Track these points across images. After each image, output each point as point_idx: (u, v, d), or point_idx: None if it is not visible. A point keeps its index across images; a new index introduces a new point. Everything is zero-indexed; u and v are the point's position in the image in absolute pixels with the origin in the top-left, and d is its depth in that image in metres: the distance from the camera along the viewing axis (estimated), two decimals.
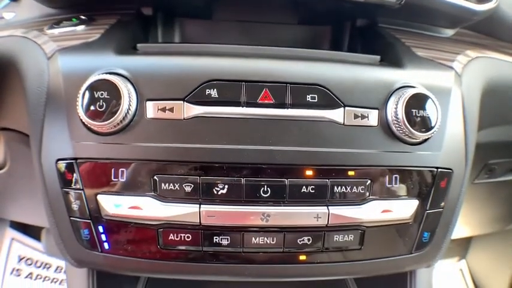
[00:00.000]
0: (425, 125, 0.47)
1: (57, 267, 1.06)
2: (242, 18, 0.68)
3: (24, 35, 0.58)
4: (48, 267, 1.07)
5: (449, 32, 0.69)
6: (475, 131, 0.55)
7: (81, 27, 0.57)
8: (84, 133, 0.46)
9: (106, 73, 0.46)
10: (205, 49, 0.52)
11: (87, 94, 0.44)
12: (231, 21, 0.68)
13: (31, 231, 1.07)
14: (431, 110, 0.48)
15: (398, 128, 0.47)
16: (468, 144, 0.54)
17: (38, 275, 1.06)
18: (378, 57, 0.55)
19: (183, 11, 0.69)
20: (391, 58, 0.55)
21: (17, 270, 1.06)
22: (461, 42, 0.68)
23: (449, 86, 0.52)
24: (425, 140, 0.49)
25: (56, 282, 1.06)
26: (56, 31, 0.57)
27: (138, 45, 0.54)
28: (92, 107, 0.44)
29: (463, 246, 1.11)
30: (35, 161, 0.52)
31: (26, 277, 1.06)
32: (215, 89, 0.46)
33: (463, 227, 1.00)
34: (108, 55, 0.49)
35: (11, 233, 1.05)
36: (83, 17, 0.61)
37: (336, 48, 0.71)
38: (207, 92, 0.46)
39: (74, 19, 0.61)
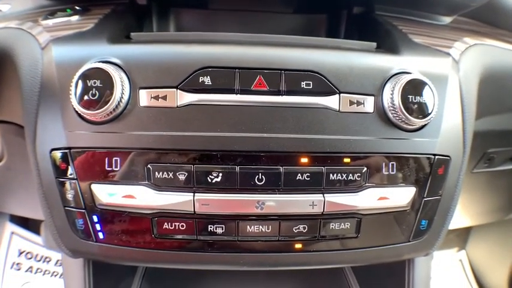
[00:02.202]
0: (422, 111, 0.47)
1: (57, 260, 1.06)
2: (238, 8, 0.67)
3: (19, 26, 0.57)
4: (48, 261, 1.07)
5: (447, 19, 0.68)
6: (472, 118, 0.55)
7: (76, 18, 0.56)
8: (77, 122, 0.46)
9: (99, 61, 0.46)
10: (199, 37, 0.52)
11: (80, 83, 0.44)
12: (226, 11, 0.67)
13: (31, 225, 1.08)
14: (428, 96, 0.47)
15: (395, 115, 0.46)
16: (466, 131, 0.53)
17: (38, 269, 1.06)
18: (374, 44, 0.54)
19: (177, 0, 0.68)
20: (388, 45, 0.54)
21: (17, 264, 1.06)
22: (459, 29, 0.67)
23: (446, 73, 0.51)
24: (423, 127, 0.48)
25: (56, 275, 1.06)
26: (51, 22, 0.56)
27: (132, 34, 0.53)
28: (85, 96, 0.44)
29: (463, 237, 1.11)
30: (29, 151, 0.51)
31: (26, 271, 1.06)
32: (208, 77, 0.45)
33: (462, 217, 1.00)
34: (101, 44, 0.48)
35: (11, 227, 1.05)
36: (77, 8, 0.61)
37: (332, 36, 0.70)
38: (200, 80, 0.45)
39: (68, 10, 0.61)
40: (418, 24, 0.62)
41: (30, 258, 1.06)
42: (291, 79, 0.46)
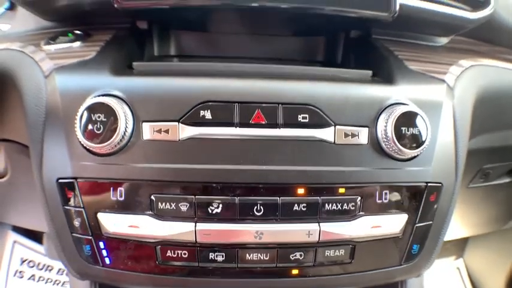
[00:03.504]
0: (414, 142, 0.50)
1: (59, 269, 1.11)
2: (237, 31, 0.70)
3: (21, 49, 0.60)
4: (50, 269, 1.11)
5: (443, 40, 0.71)
6: (465, 142, 0.58)
7: (77, 44, 0.59)
8: (83, 153, 0.49)
9: (102, 95, 0.49)
10: (199, 68, 0.55)
11: (84, 117, 0.47)
12: (225, 34, 0.70)
13: (33, 234, 1.12)
14: (421, 127, 0.50)
15: (388, 146, 0.50)
16: (458, 156, 0.56)
17: (40, 277, 1.11)
18: (370, 72, 0.58)
19: (178, 23, 0.70)
20: (383, 72, 0.57)
21: (20, 272, 1.11)
22: (456, 50, 0.70)
23: (440, 101, 0.54)
24: (415, 156, 0.52)
25: (58, 284, 1.11)
26: (53, 47, 0.59)
27: (134, 63, 0.56)
28: (90, 130, 0.47)
29: (460, 245, 1.15)
30: (36, 177, 0.55)
31: (29, 279, 1.11)
32: (209, 111, 0.48)
33: (459, 228, 1.04)
34: (104, 75, 0.51)
35: (14, 236, 1.10)
36: (78, 32, 0.64)
37: (330, 58, 0.73)
38: (201, 114, 0.48)
39: (69, 34, 0.63)
40: (415, 48, 0.65)
41: (32, 267, 1.11)
42: (288, 112, 0.49)
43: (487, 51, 0.75)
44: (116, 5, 0.54)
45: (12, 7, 0.78)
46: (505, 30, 0.75)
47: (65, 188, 0.51)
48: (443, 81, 0.56)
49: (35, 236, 1.11)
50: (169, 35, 0.71)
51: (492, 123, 0.72)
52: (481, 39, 0.75)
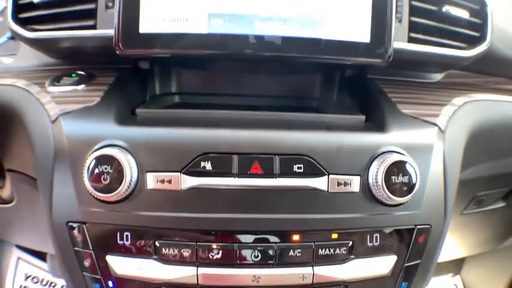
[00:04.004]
0: (404, 190, 0.54)
1: (62, 286, 1.17)
2: (235, 70, 0.74)
3: (27, 87, 0.65)
4: (54, 286, 1.17)
5: (438, 77, 0.75)
6: (455, 182, 0.62)
7: (82, 87, 0.64)
8: (91, 201, 0.54)
9: (108, 146, 0.53)
10: (199, 116, 0.59)
11: (92, 168, 0.52)
12: (224, 72, 0.75)
13: (36, 251, 1.17)
14: (410, 175, 0.54)
15: (378, 193, 0.54)
16: (448, 198, 0.61)
17: None
18: (363, 118, 0.62)
19: (178, 63, 0.75)
20: (376, 117, 0.62)
21: (25, 287, 1.17)
22: (450, 85, 0.74)
23: (431, 145, 0.59)
24: (405, 202, 0.56)
25: None
26: (57, 90, 0.64)
27: (137, 110, 0.61)
28: (98, 180, 0.52)
29: (457, 263, 1.20)
30: (46, 218, 0.60)
31: None
32: (209, 162, 0.53)
33: (455, 250, 1.09)
34: (109, 124, 0.56)
35: (18, 252, 1.15)
36: (82, 73, 0.68)
37: (326, 94, 0.77)
38: (201, 165, 0.53)
39: (73, 75, 0.68)
40: (408, 87, 0.69)
41: (36, 283, 1.17)
42: (284, 163, 0.54)
43: (482, 83, 0.79)
44: (118, 52, 0.58)
45: (14, 37, 0.82)
46: (500, 60, 0.79)
47: (75, 230, 0.56)
48: (434, 125, 0.61)
49: (38, 253, 1.17)
50: (170, 73, 0.76)
51: (486, 154, 0.77)
52: (476, 71, 0.79)
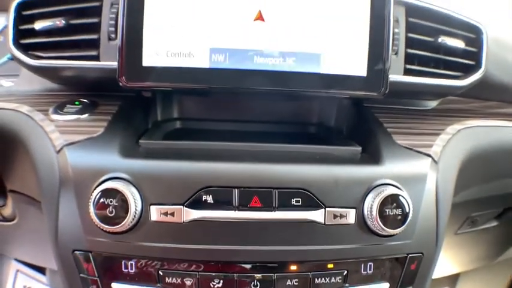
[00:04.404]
0: (397, 222, 0.58)
1: None
2: (236, 98, 0.78)
3: (30, 114, 0.68)
4: None
5: (433, 104, 0.79)
6: (447, 210, 0.66)
7: (85, 116, 0.67)
8: (97, 231, 0.57)
9: (113, 178, 0.57)
10: (201, 147, 0.63)
11: (97, 201, 0.55)
12: (224, 98, 0.78)
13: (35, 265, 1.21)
14: (404, 208, 0.58)
15: (372, 224, 0.58)
16: (439, 226, 0.65)
17: None
18: (359, 149, 0.66)
19: (180, 91, 0.78)
20: (372, 148, 0.66)
21: None
22: (445, 112, 0.77)
23: (424, 177, 0.63)
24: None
25: None
26: (61, 118, 0.67)
27: (141, 141, 0.64)
28: (103, 213, 0.55)
29: (452, 277, 1.25)
30: (51, 245, 0.63)
31: None
32: (210, 195, 0.57)
33: (449, 267, 1.14)
34: (113, 157, 0.59)
35: (16, 265, 1.19)
36: (85, 101, 0.71)
37: (323, 120, 0.81)
38: (203, 198, 0.57)
39: (76, 102, 0.71)
40: (404, 116, 0.73)
41: None
42: (282, 197, 0.57)
43: (477, 108, 0.83)
44: (121, 84, 0.61)
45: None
46: (495, 86, 0.82)
47: (81, 258, 0.60)
48: (428, 155, 0.65)
49: (37, 266, 1.20)
50: (172, 100, 0.79)
51: (479, 178, 0.81)
52: (471, 96, 0.83)
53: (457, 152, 0.69)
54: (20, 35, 0.70)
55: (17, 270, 1.20)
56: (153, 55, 0.61)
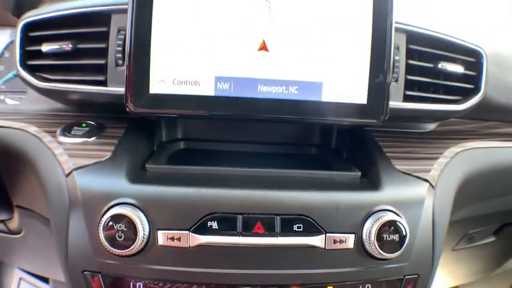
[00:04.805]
0: (394, 246, 0.62)
1: None
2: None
3: (38, 135, 0.72)
4: None
5: (432, 126, 0.82)
6: (443, 231, 0.70)
7: (93, 139, 0.71)
8: (106, 253, 0.61)
9: (121, 204, 0.61)
10: (206, 172, 0.67)
11: (107, 226, 0.59)
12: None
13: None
14: (401, 233, 0.62)
15: (370, 249, 0.62)
16: (435, 248, 0.68)
17: None
18: (359, 174, 0.70)
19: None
20: (372, 173, 0.69)
21: None
22: (443, 136, 0.81)
23: (421, 202, 0.66)
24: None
25: None
26: (69, 141, 0.70)
27: (147, 166, 0.68)
28: (113, 238, 0.59)
29: None
30: (60, 263, 0.67)
31: None
32: (215, 221, 0.60)
33: (447, 282, 1.18)
34: (121, 182, 0.63)
35: (20, 273, 1.23)
36: (92, 123, 0.75)
37: (324, 142, 0.85)
38: (208, 224, 0.60)
39: (83, 124, 0.74)
40: (403, 140, 0.77)
41: None
42: (284, 223, 0.61)
43: (475, 129, 0.86)
44: (128, 110, 0.65)
45: None
46: (494, 108, 0.85)
47: (90, 279, 0.64)
48: (426, 181, 0.68)
49: (40, 276, 1.24)
50: (176, 121, 0.83)
51: (476, 197, 0.85)
52: (470, 117, 0.86)
53: (454, 175, 0.73)
54: (27, 55, 0.73)
55: (20, 278, 1.24)
56: (160, 83, 0.64)
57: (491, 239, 1.01)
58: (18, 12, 0.87)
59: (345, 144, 0.82)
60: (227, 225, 0.61)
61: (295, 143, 0.86)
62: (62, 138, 0.71)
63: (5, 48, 0.93)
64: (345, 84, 0.66)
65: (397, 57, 0.71)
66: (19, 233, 0.94)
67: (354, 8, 0.65)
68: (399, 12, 0.68)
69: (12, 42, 0.93)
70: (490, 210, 0.90)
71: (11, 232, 0.96)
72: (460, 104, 0.76)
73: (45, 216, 0.81)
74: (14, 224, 0.93)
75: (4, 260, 1.17)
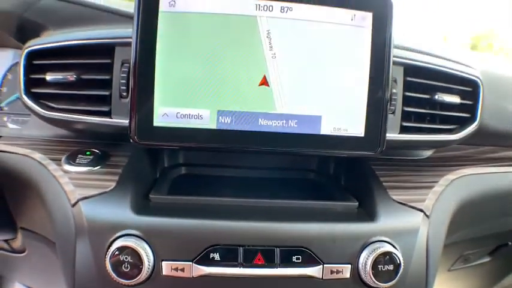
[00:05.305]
0: (389, 275, 0.66)
1: None
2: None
3: (43, 162, 0.75)
4: None
5: (428, 153, 0.86)
6: (437, 258, 0.74)
7: (97, 168, 0.74)
8: (112, 283, 0.65)
9: (127, 235, 0.64)
10: (208, 203, 0.71)
11: (113, 258, 0.62)
12: None
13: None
14: (395, 263, 0.66)
15: (365, 278, 0.66)
16: (429, 274, 0.72)
17: None
18: (356, 205, 0.74)
19: None
20: (368, 204, 0.73)
21: None
22: (439, 163, 0.85)
23: (416, 231, 0.70)
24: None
25: None
26: (74, 169, 0.74)
27: (151, 196, 0.72)
28: (119, 269, 0.63)
29: None
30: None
31: None
32: (217, 253, 0.64)
33: None
34: (126, 213, 0.66)
35: (20, 287, 1.28)
36: (97, 151, 0.78)
37: (322, 168, 0.89)
38: (211, 256, 0.64)
39: (87, 152, 0.78)
40: (399, 169, 0.80)
41: None
42: (284, 254, 0.65)
43: (471, 154, 0.90)
44: (132, 142, 0.69)
45: None
46: (489, 134, 0.89)
47: None
48: (420, 210, 0.72)
49: None
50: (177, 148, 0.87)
51: (471, 221, 0.89)
52: (465, 143, 0.90)
53: (448, 203, 0.77)
54: (31, 83, 0.76)
55: None
56: (163, 116, 0.68)
57: (487, 259, 1.05)
58: (21, 35, 0.90)
59: (343, 171, 0.86)
60: (229, 256, 0.65)
61: (294, 168, 0.90)
62: (67, 167, 0.74)
63: (8, 70, 0.96)
64: (343, 117, 0.70)
65: (394, 90, 0.74)
66: (22, 252, 0.98)
67: (353, 45, 0.69)
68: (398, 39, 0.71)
69: (15, 64, 0.96)
70: (485, 233, 0.94)
71: (13, 251, 1.00)
72: (456, 133, 0.80)
73: (50, 238, 0.85)
74: (17, 243, 0.97)
75: (6, 276, 1.22)
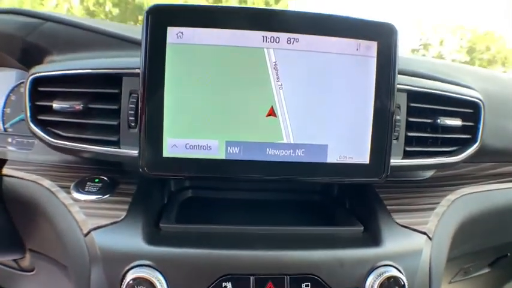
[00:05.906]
0: None
1: None
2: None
3: (52, 189, 0.78)
4: None
5: (429, 173, 0.90)
6: (440, 276, 0.79)
7: (107, 197, 0.77)
8: None
9: (140, 266, 0.68)
10: (218, 231, 0.74)
11: (127, 286, 0.66)
12: None
13: None
14: (400, 285, 0.70)
15: None
16: None
17: None
18: (361, 229, 0.78)
19: None
20: (373, 228, 0.77)
21: None
22: (440, 182, 0.88)
23: (419, 253, 0.74)
24: None
25: None
26: (83, 198, 0.76)
27: (161, 225, 0.75)
28: None
29: None
30: None
31: None
32: (230, 282, 0.68)
33: None
34: (138, 243, 0.69)
35: None
36: (105, 179, 0.81)
37: (327, 190, 0.93)
38: (223, 285, 0.68)
39: (96, 180, 0.81)
40: (402, 191, 0.84)
41: None
42: (294, 282, 0.69)
43: (472, 172, 0.94)
44: (141, 171, 0.71)
45: None
46: (490, 152, 0.93)
47: None
48: (424, 233, 0.77)
49: None
50: None
51: (473, 237, 0.94)
52: (466, 161, 0.94)
53: (450, 224, 0.81)
54: (37, 110, 0.78)
55: None
56: (173, 147, 0.71)
57: (486, 270, 1.10)
58: (24, 59, 0.92)
59: (347, 193, 0.90)
60: (240, 285, 0.68)
61: (299, 190, 0.94)
62: (76, 195, 0.77)
63: (11, 91, 0.98)
64: (348, 146, 0.73)
65: (398, 117, 0.78)
66: (31, 271, 1.01)
67: (358, 75, 0.72)
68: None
69: (18, 85, 0.98)
70: (486, 246, 0.99)
71: (22, 269, 1.03)
72: (457, 155, 0.83)
73: (60, 261, 0.88)
74: (25, 263, 1.00)
75: None
